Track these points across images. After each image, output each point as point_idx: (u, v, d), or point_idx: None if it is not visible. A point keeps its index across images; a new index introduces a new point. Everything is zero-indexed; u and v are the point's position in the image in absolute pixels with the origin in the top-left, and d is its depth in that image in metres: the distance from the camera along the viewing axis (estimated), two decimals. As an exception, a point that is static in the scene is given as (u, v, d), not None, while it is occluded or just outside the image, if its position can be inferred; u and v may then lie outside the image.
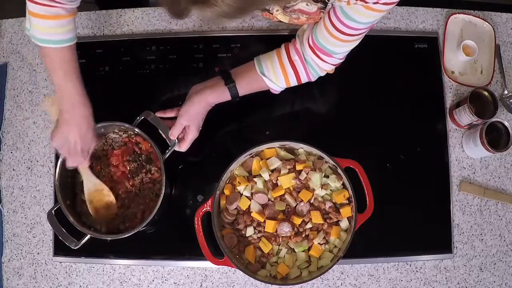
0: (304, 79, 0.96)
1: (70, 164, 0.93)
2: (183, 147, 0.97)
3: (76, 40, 0.86)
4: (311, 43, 0.90)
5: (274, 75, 0.94)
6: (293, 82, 0.96)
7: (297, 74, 0.94)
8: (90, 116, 0.90)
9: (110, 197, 0.98)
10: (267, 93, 1.05)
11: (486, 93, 1.03)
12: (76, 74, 0.87)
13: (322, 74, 0.96)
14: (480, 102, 1.02)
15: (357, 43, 0.88)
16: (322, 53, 0.89)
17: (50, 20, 0.80)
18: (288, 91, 1.09)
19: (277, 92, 0.99)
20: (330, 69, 0.94)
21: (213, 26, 1.15)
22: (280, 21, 1.02)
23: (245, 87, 0.96)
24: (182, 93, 1.11)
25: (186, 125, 0.95)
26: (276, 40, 1.13)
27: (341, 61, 0.94)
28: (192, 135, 0.96)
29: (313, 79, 0.97)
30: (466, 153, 1.08)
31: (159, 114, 0.98)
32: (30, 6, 0.79)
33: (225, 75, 0.96)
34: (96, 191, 0.97)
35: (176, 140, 0.96)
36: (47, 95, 0.91)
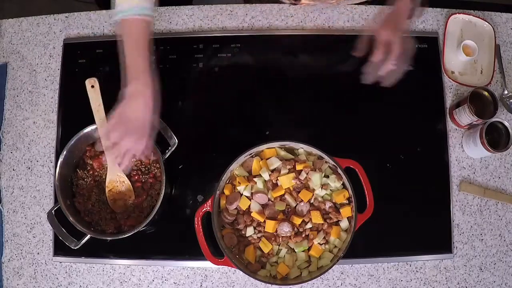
0: None
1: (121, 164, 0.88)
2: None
3: (152, 16, 0.85)
4: None
5: None
6: None
7: None
8: (150, 104, 0.84)
9: (128, 189, 0.99)
10: (267, 93, 1.05)
11: (486, 93, 1.03)
12: (147, 50, 0.84)
13: None
14: (480, 102, 1.02)
15: None
16: None
17: None
18: (289, 90, 1.10)
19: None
20: None
21: (213, 26, 1.16)
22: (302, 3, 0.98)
23: None
24: (182, 93, 1.11)
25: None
26: (276, 40, 1.14)
27: None
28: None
29: None
30: (466, 153, 1.08)
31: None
32: None
33: None
34: (117, 181, 0.99)
35: (176, 140, 0.96)
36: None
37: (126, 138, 0.84)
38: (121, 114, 0.84)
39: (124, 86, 0.84)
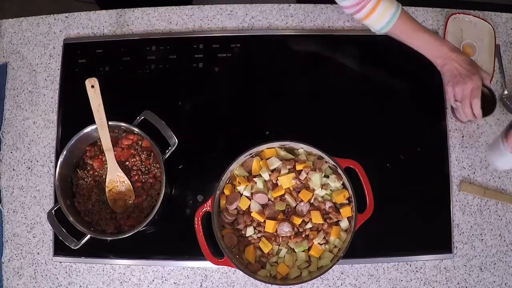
0: None
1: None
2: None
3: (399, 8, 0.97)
4: None
5: None
6: None
7: None
8: None
9: (128, 189, 0.99)
10: (267, 93, 1.05)
11: (485, 90, 1.02)
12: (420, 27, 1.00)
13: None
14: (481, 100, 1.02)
15: None
16: None
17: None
18: (289, 90, 1.09)
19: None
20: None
21: (213, 26, 1.16)
22: None
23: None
24: (182, 93, 1.11)
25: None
26: (276, 40, 1.14)
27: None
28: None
29: None
30: (496, 167, 1.02)
31: None
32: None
33: None
34: (117, 181, 0.99)
35: (176, 140, 0.96)
36: None
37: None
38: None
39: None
